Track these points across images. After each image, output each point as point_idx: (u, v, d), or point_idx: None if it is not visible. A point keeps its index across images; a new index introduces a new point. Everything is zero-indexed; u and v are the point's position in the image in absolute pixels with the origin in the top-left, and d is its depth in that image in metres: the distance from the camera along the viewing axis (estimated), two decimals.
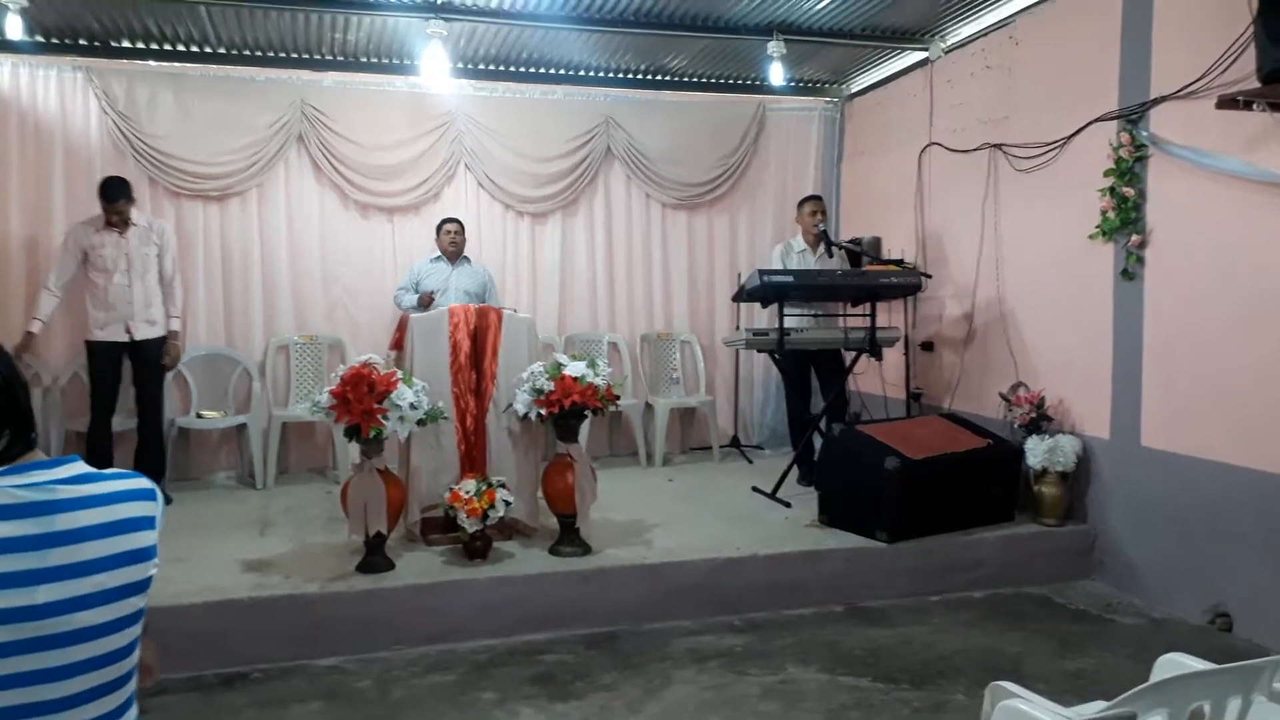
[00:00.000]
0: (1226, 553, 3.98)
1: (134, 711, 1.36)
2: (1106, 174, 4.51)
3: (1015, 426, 4.90)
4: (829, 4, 5.32)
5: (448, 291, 5.88)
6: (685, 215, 7.12)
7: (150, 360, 5.39)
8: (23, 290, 5.82)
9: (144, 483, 1.39)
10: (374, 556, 4.04)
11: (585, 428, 4.59)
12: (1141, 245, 4.39)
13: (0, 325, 5.75)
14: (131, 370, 5.39)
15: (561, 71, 6.62)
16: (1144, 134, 4.35)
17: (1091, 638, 4.00)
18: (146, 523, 1.34)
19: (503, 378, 4.55)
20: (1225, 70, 3.89)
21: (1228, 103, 3.75)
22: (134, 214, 5.34)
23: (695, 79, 6.90)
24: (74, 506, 1.27)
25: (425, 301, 5.74)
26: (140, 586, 1.32)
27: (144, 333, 5.33)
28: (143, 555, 1.32)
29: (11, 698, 1.17)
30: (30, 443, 1.32)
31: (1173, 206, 4.26)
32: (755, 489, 5.46)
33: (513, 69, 6.55)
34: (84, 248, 5.27)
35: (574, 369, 4.24)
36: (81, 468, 1.33)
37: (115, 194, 5.20)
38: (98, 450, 5.20)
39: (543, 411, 4.23)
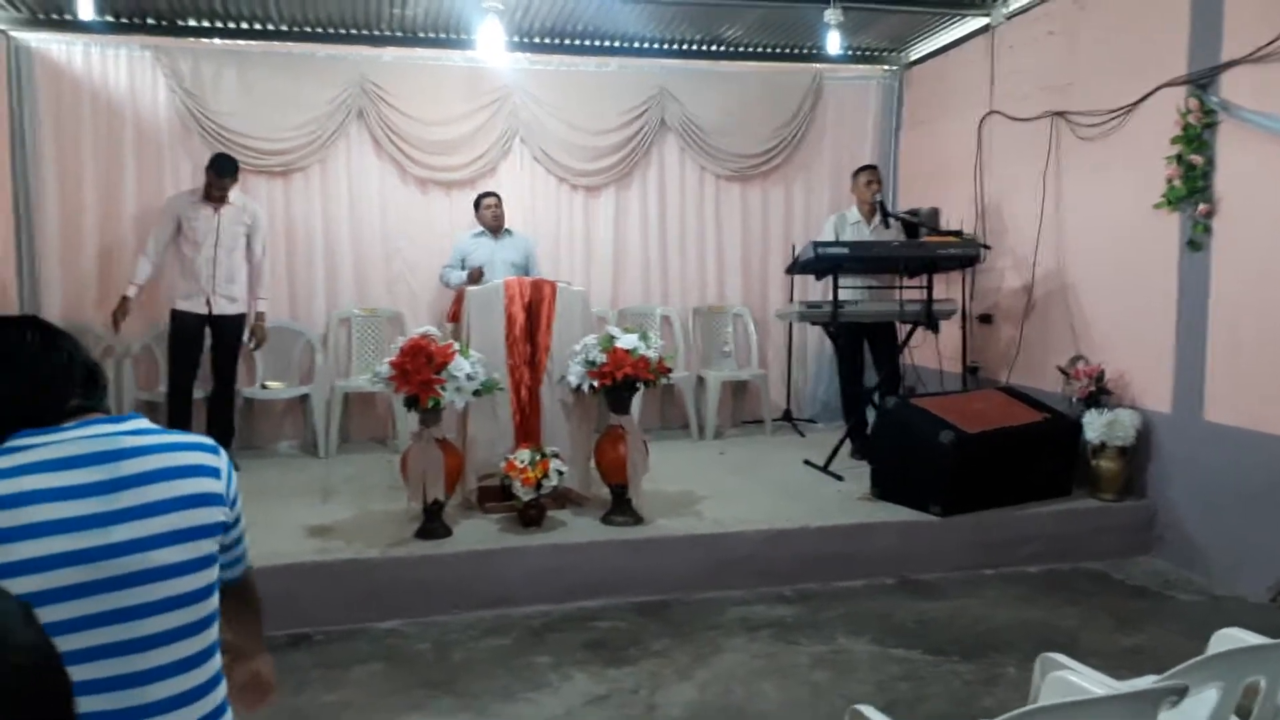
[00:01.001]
0: None
1: (216, 662, 1.41)
2: (1174, 141, 4.38)
3: (1074, 400, 4.82)
4: None
5: (494, 265, 5.96)
6: (739, 187, 7.09)
7: (227, 335, 5.56)
8: (95, 265, 6.04)
9: (206, 439, 1.47)
10: (432, 523, 4.15)
11: (637, 400, 4.62)
12: (1209, 215, 4.27)
13: (77, 299, 6.00)
14: (210, 342, 5.57)
15: (616, 44, 6.61)
16: (1214, 99, 4.21)
17: (1149, 614, 3.95)
18: (210, 471, 1.41)
19: (556, 350, 4.61)
20: None
21: None
22: (232, 193, 5.52)
23: (750, 49, 6.83)
24: (139, 453, 1.35)
25: (476, 276, 5.80)
26: (211, 530, 1.39)
27: (222, 308, 5.50)
28: (209, 500, 1.39)
29: (89, 639, 1.23)
30: (97, 406, 1.41)
31: (1243, 175, 4.13)
32: (807, 462, 5.46)
33: (568, 41, 6.56)
34: (179, 217, 5.45)
35: (626, 341, 4.28)
36: (145, 423, 1.41)
37: (225, 169, 5.40)
38: (178, 417, 5.39)
39: (595, 383, 4.28)
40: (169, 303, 5.54)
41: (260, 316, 5.72)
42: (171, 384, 5.51)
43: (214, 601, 1.42)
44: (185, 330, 5.46)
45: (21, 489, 1.25)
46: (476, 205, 6.18)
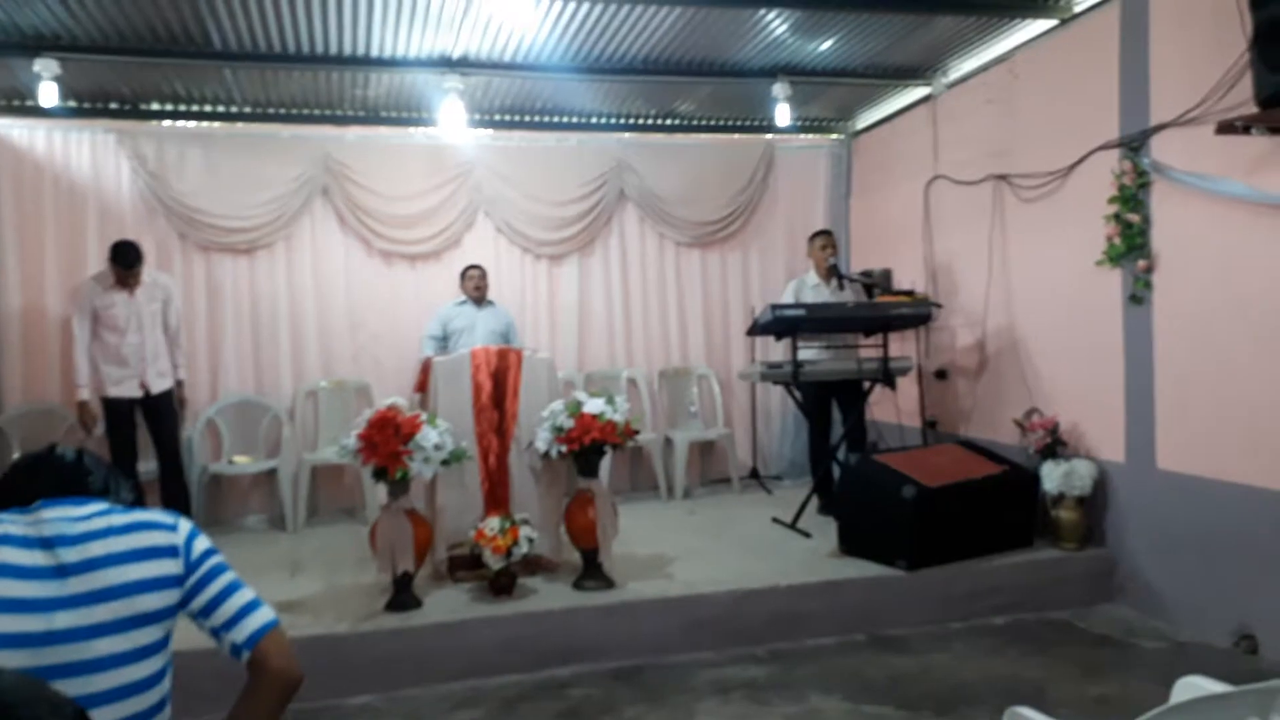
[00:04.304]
0: (1249, 574, 3.98)
1: None
2: (1110, 201, 4.59)
3: (1030, 452, 4.93)
4: (832, 45, 5.47)
5: (475, 331, 6.09)
6: (699, 253, 7.26)
7: (164, 411, 5.51)
8: (58, 348, 5.98)
9: (165, 516, 1.47)
10: (402, 595, 4.12)
11: (606, 463, 4.67)
12: (1148, 270, 4.45)
13: (41, 384, 5.96)
14: (146, 422, 5.49)
15: (574, 119, 6.80)
16: (1146, 161, 4.43)
17: (1115, 663, 4.01)
18: (164, 552, 1.41)
19: (524, 416, 4.66)
20: (1223, 96, 3.97)
21: (1227, 128, 3.82)
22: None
23: (704, 122, 7.06)
24: (90, 538, 1.36)
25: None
26: (156, 616, 1.38)
27: (158, 386, 5.46)
28: (157, 584, 1.38)
29: None
30: (74, 488, 1.43)
31: (1178, 231, 4.32)
32: (775, 520, 5.51)
33: (527, 118, 6.74)
34: (94, 306, 5.35)
35: (592, 406, 4.34)
36: (104, 505, 1.43)
37: (133, 260, 5.31)
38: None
39: (563, 449, 4.33)
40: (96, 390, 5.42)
41: (180, 385, 5.68)
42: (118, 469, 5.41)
43: (164, 687, 1.41)
44: (121, 416, 5.36)
45: None
46: (462, 276, 6.36)
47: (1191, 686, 2.08)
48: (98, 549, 1.34)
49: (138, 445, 5.48)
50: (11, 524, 1.32)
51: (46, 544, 1.31)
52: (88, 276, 5.59)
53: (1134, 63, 4.50)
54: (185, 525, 1.48)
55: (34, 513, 1.34)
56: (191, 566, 1.45)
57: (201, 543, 1.49)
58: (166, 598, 1.39)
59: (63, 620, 1.28)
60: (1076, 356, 4.92)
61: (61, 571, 1.30)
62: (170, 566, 1.40)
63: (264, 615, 1.51)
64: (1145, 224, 4.47)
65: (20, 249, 5.98)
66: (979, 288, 5.63)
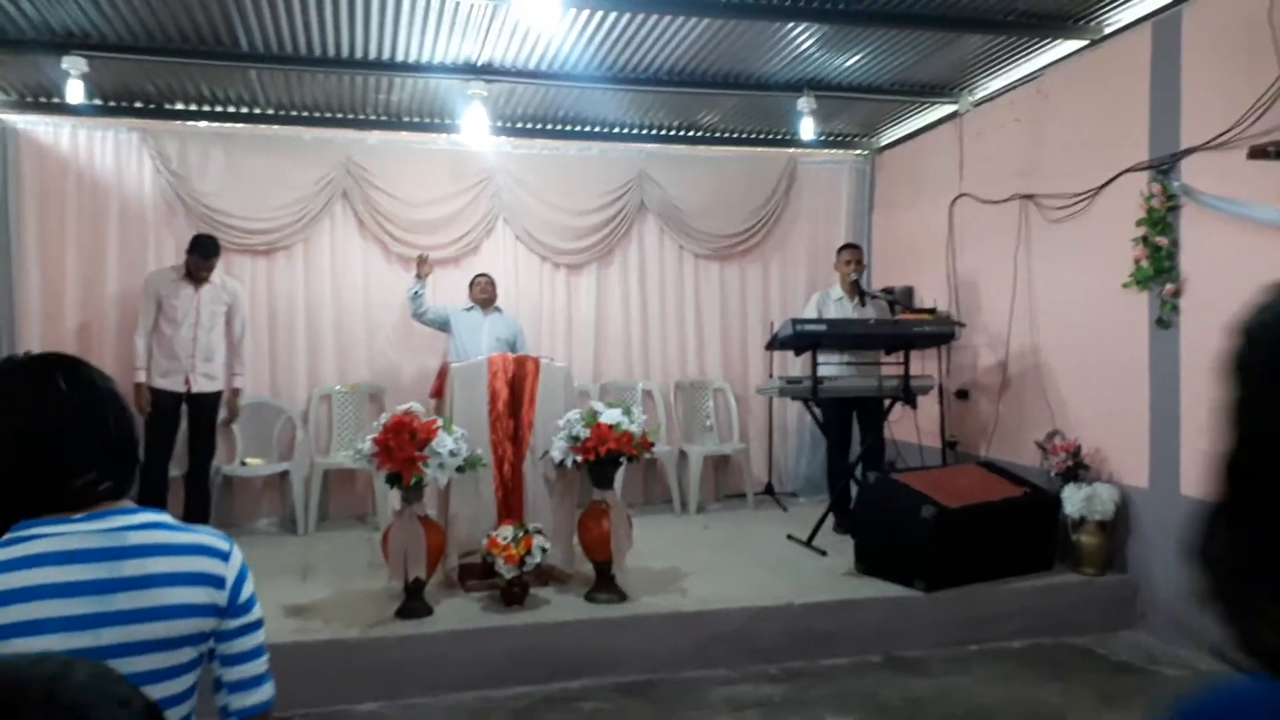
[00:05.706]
0: None
1: None
2: (1139, 223, 4.54)
3: (1052, 475, 4.87)
4: (858, 61, 5.45)
5: (480, 337, 6.04)
6: (718, 266, 7.23)
7: (205, 413, 5.54)
8: (75, 343, 5.99)
9: (222, 544, 1.43)
10: (413, 602, 4.09)
11: (620, 475, 4.63)
12: (1176, 294, 4.39)
13: None
14: (187, 420, 5.53)
15: (597, 128, 6.80)
16: (1175, 184, 4.38)
17: (1135, 690, 3.94)
18: (214, 580, 1.38)
19: (539, 425, 4.63)
20: (1255, 121, 3.93)
21: (1259, 153, 3.78)
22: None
23: (727, 134, 7.04)
24: (144, 554, 1.32)
25: (423, 267, 6.03)
26: (195, 639, 1.36)
27: (201, 386, 5.50)
28: (201, 610, 1.36)
29: None
30: (122, 490, 1.39)
31: (1207, 255, 4.27)
32: (791, 537, 5.46)
33: (550, 126, 6.74)
34: (160, 295, 5.46)
35: (609, 416, 4.30)
36: (162, 517, 1.39)
37: (210, 251, 5.45)
38: (152, 495, 5.31)
39: (579, 458, 4.29)
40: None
41: (236, 393, 5.75)
42: (146, 462, 5.44)
43: (191, 703, 1.40)
44: (162, 408, 5.42)
45: (25, 584, 1.24)
46: (471, 284, 6.31)
47: None
48: (154, 566, 1.32)
49: (174, 441, 5.51)
50: (54, 538, 1.29)
51: (101, 556, 1.29)
52: (166, 265, 5.75)
53: (1165, 85, 4.46)
54: (237, 560, 1.45)
55: (86, 523, 1.31)
56: (233, 609, 1.42)
57: (248, 587, 1.45)
58: (205, 624, 1.38)
59: (109, 636, 1.27)
60: (1101, 379, 4.86)
61: (112, 586, 1.28)
62: (215, 596, 1.39)
63: (263, 694, 1.47)
64: (1174, 247, 4.42)
65: (41, 249, 6.00)
66: (1002, 307, 5.58)
